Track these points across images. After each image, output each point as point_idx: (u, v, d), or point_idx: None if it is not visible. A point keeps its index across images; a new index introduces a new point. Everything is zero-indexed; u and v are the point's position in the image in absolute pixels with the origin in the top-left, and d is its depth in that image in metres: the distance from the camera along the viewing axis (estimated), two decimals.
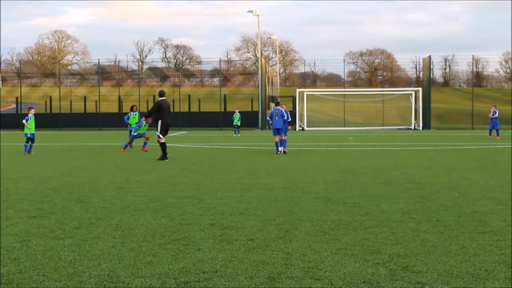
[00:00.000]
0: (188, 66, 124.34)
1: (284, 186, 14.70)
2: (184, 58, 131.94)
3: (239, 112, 50.08)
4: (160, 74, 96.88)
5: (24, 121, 27.13)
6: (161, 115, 22.97)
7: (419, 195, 13.10)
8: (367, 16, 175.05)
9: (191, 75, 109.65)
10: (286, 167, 19.84)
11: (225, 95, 73.45)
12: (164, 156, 22.70)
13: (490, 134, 41.28)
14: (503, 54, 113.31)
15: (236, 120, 48.86)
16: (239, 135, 47.57)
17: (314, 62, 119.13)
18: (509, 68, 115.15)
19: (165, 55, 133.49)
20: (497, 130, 41.03)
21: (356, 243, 8.31)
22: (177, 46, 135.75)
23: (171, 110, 27.27)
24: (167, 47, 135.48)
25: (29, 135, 26.79)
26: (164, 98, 23.33)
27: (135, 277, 6.74)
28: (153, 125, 24.22)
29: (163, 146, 22.80)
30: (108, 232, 9.14)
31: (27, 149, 26.60)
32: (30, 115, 27.24)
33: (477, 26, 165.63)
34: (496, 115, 41.36)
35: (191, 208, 11.35)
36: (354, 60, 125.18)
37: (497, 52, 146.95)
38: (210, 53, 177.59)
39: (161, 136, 22.84)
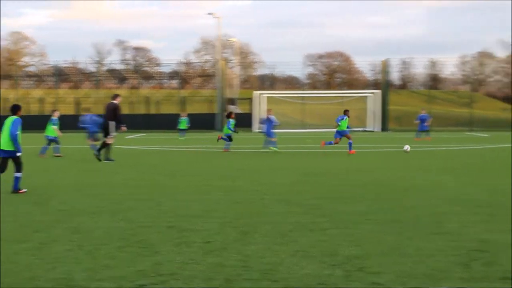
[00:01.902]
0: (147, 68, 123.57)
1: (244, 188, 14.71)
2: (143, 60, 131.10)
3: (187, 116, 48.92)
4: (118, 76, 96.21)
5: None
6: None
7: (377, 196, 13.21)
8: (326, 18, 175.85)
9: (149, 77, 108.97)
10: (246, 169, 19.86)
11: (183, 97, 73.22)
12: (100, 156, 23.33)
13: (417, 136, 42.67)
14: (460, 57, 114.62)
15: (183, 124, 47.64)
16: (183, 138, 45.59)
17: (273, 65, 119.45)
18: (466, 70, 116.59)
19: (124, 57, 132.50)
20: (426, 132, 42.33)
21: (313, 245, 8.36)
22: (136, 48, 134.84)
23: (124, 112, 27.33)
24: (125, 49, 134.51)
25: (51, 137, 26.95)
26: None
27: (91, 281, 6.70)
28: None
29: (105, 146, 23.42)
30: (66, 235, 9.07)
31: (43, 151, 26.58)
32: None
33: (435, 29, 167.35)
34: (425, 118, 42.81)
35: (150, 211, 11.30)
36: (313, 63, 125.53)
37: (453, 55, 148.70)
38: (169, 55, 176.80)
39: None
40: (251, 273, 6.95)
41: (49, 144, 26.96)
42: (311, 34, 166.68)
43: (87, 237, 8.93)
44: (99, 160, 23.07)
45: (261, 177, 17.41)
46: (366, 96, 67.97)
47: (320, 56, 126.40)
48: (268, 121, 29.62)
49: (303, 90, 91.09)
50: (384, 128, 64.06)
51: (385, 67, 69.63)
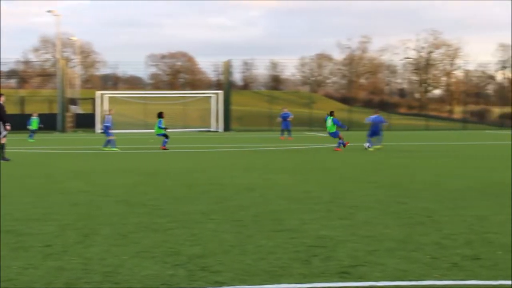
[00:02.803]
0: None
1: (83, 190, 14.43)
2: None
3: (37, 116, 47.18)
4: None
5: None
6: None
7: (218, 195, 13.33)
8: (166, 19, 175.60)
9: None
10: (86, 170, 19.49)
11: (22, 97, 70.90)
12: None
13: (282, 135, 43.28)
14: (299, 59, 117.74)
15: (34, 124, 45.68)
16: (33, 140, 44.13)
17: (116, 64, 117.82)
18: (305, 72, 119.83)
19: None
20: (289, 131, 43.11)
21: (155, 245, 8.32)
22: None
23: None
24: None
25: None
26: None
27: None
28: None
29: None
30: None
31: None
32: None
33: (275, 32, 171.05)
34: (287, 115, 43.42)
35: None
36: (155, 63, 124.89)
37: (293, 57, 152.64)
38: (6, 53, 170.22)
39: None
40: (92, 276, 6.83)
41: None
42: (153, 34, 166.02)
43: None
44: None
45: (100, 178, 17.15)
46: (209, 97, 68.42)
47: (163, 56, 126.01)
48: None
49: (146, 90, 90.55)
50: (226, 128, 64.74)
51: (227, 68, 70.36)
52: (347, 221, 10.22)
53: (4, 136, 23.56)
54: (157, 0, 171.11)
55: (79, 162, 23.14)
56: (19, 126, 62.29)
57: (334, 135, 30.23)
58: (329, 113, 30.70)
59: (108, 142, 30.33)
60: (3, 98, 23.74)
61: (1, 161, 22.76)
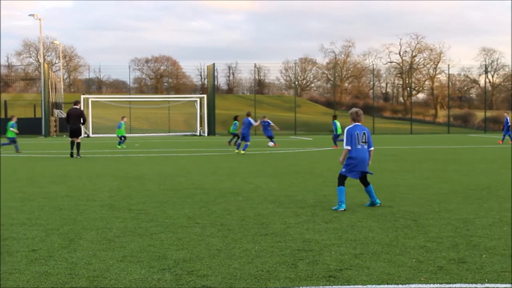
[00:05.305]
0: None
1: (68, 194, 14.37)
2: None
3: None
4: None
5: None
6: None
7: (204, 200, 13.32)
8: (148, 23, 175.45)
9: None
10: (70, 175, 19.41)
11: (5, 101, 70.51)
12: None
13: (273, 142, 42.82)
14: (283, 63, 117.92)
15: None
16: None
17: (99, 68, 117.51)
18: (289, 76, 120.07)
19: None
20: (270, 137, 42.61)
21: (142, 250, 8.30)
22: None
23: None
24: None
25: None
26: (74, 107, 28.35)
27: None
28: None
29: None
30: None
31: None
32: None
33: (257, 36, 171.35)
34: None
35: None
36: (139, 67, 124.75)
37: (277, 61, 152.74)
38: None
39: (69, 138, 28.51)
40: (78, 281, 6.80)
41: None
42: (136, 38, 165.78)
43: None
44: None
45: (84, 182, 17.09)
46: (194, 101, 68.33)
47: (147, 60, 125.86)
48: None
49: (130, 94, 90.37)
50: (211, 132, 64.68)
51: (211, 72, 70.33)
52: (332, 224, 10.24)
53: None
54: (143, 1, 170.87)
55: (63, 166, 23.03)
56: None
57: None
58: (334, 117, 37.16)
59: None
60: (80, 105, 28.61)
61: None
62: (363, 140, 11.93)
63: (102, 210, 11.88)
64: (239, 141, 31.51)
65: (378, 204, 12.09)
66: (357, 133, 11.90)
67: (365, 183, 12.16)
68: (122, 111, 71.30)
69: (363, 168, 11.94)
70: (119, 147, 37.41)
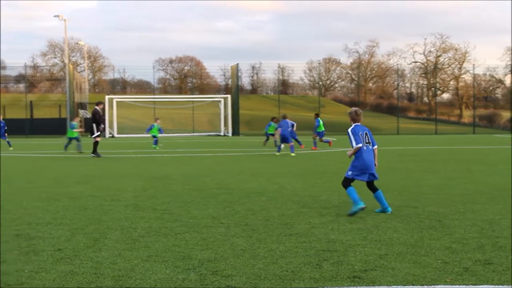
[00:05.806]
0: None
1: (93, 194, 14.44)
2: None
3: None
4: None
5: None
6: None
7: (228, 200, 13.33)
8: (173, 23, 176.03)
9: None
10: (95, 175, 19.52)
11: (31, 102, 71.13)
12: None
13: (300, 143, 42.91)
14: (307, 63, 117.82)
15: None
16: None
17: (124, 69, 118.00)
18: (313, 76, 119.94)
19: None
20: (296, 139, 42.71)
21: (166, 250, 8.32)
22: None
23: None
24: None
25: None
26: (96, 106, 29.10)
27: None
28: None
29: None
30: None
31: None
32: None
33: (282, 36, 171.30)
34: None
35: None
36: (164, 67, 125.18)
37: (301, 61, 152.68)
38: (15, 58, 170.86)
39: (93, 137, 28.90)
40: (103, 280, 6.84)
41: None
42: (160, 38, 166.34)
43: None
44: None
45: (109, 182, 17.16)
46: (218, 101, 68.44)
47: (171, 61, 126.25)
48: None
49: (155, 94, 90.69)
50: (235, 132, 64.76)
51: (235, 72, 70.39)
52: (357, 225, 10.21)
53: (97, 136, 28.60)
54: (168, 1, 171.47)
55: (88, 166, 23.17)
56: (25, 131, 62.58)
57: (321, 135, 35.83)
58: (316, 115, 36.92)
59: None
60: (101, 106, 29.42)
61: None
62: (366, 141, 11.66)
63: (127, 210, 11.93)
64: (282, 146, 31.06)
65: (389, 212, 11.60)
66: (360, 134, 11.63)
67: (373, 188, 11.79)
68: (146, 111, 71.69)
69: (371, 170, 11.62)
70: (157, 147, 37.01)
